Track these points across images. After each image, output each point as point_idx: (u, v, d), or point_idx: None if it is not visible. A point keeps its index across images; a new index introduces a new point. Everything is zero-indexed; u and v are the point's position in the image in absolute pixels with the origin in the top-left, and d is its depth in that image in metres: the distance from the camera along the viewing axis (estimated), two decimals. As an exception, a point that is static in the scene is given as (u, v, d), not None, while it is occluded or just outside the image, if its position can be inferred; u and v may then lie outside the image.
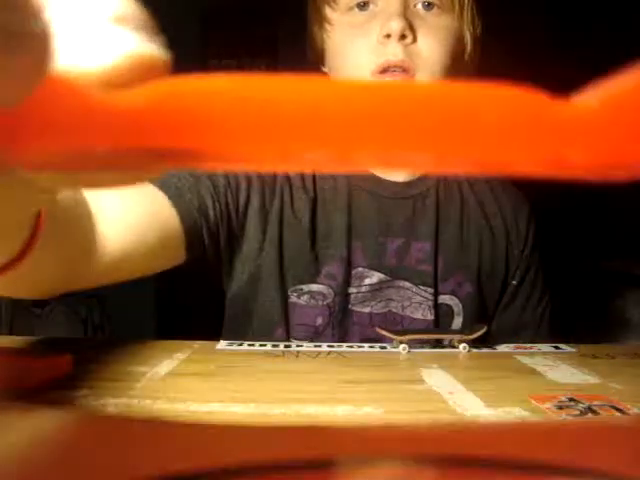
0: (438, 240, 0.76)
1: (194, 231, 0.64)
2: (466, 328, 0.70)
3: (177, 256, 0.64)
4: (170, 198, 0.61)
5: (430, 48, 0.66)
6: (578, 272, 1.94)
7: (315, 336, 0.73)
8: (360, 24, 0.67)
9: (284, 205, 0.73)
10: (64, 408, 0.40)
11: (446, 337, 0.68)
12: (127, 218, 0.55)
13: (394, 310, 0.74)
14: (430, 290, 0.74)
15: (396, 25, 0.63)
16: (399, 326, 0.73)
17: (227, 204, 0.69)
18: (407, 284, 0.74)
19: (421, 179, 0.78)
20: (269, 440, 0.27)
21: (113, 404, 0.42)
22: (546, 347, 0.67)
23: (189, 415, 0.40)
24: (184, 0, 2.78)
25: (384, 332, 0.65)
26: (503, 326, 0.80)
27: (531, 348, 0.67)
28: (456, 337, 0.65)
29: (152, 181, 0.58)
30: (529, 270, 0.81)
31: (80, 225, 0.48)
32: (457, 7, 0.68)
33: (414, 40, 0.65)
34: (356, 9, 0.68)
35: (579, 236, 2.24)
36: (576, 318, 1.45)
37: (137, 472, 0.22)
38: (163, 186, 0.61)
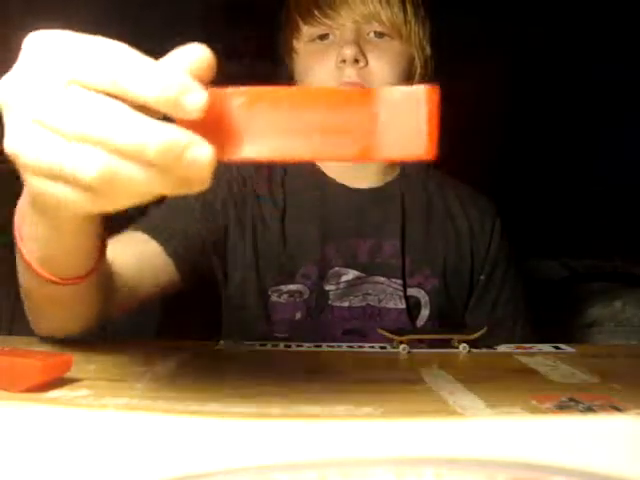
0: (405, 238, 0.82)
1: (187, 267, 0.75)
2: (466, 328, 0.70)
3: (175, 285, 0.76)
4: (163, 247, 0.73)
5: (381, 70, 0.76)
6: (578, 272, 1.94)
7: (295, 329, 0.78)
8: (320, 52, 0.77)
9: (255, 215, 0.81)
10: (64, 408, 0.40)
11: (446, 337, 0.68)
12: (131, 269, 0.68)
13: (372, 303, 0.80)
14: (399, 282, 0.81)
15: (349, 51, 0.73)
16: (376, 317, 0.79)
17: (207, 227, 0.78)
18: (381, 278, 0.81)
19: (388, 186, 0.86)
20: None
21: (113, 404, 0.42)
22: (546, 347, 0.67)
23: (189, 415, 0.40)
24: (184, 0, 2.77)
25: (384, 332, 0.65)
26: (476, 323, 0.84)
27: (531, 348, 0.67)
28: (456, 337, 0.65)
29: (148, 233, 0.73)
30: (496, 267, 0.86)
31: (109, 275, 0.63)
32: (405, 34, 0.78)
33: (366, 64, 0.75)
34: (317, 40, 0.78)
35: (579, 236, 2.24)
36: (575, 318, 1.45)
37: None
38: (158, 237, 0.74)
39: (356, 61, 0.74)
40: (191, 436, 0.35)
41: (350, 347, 0.65)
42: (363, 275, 0.80)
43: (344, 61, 0.74)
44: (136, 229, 0.74)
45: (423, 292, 0.81)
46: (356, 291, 0.80)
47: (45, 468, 0.31)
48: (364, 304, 0.79)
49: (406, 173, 0.87)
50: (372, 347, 0.65)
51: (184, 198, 0.79)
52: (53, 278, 0.50)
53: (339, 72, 0.75)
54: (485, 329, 0.66)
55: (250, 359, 0.59)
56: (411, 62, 0.81)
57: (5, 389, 0.44)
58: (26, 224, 0.48)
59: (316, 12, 0.76)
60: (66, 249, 0.49)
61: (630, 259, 1.91)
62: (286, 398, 0.45)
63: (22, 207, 0.47)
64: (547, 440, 0.36)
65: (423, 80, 0.82)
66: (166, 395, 0.45)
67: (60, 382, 0.46)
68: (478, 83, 1.82)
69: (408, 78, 0.80)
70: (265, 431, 0.36)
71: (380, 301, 0.80)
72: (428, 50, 0.82)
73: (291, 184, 0.83)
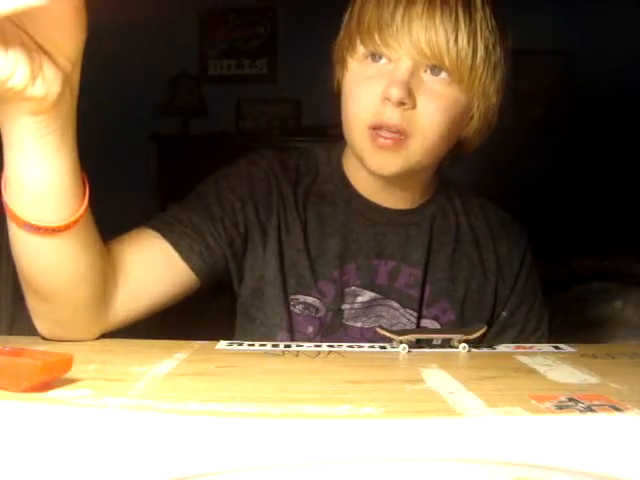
0: (427, 268, 0.79)
1: (204, 272, 0.73)
2: (466, 328, 0.70)
3: (187, 288, 0.73)
4: (180, 253, 0.71)
5: (428, 116, 0.69)
6: (578, 272, 1.94)
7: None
8: (369, 77, 0.70)
9: (280, 222, 0.77)
10: (65, 406, 0.40)
11: (446, 337, 0.68)
12: (138, 267, 0.68)
13: (383, 326, 0.77)
14: (414, 314, 0.78)
15: (395, 93, 0.66)
16: (386, 341, 0.74)
17: (226, 228, 0.74)
18: (395, 304, 0.78)
19: (419, 209, 0.82)
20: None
21: (113, 404, 0.42)
22: (546, 347, 0.67)
23: (189, 415, 0.40)
24: (183, 0, 2.77)
25: (384, 332, 0.65)
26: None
27: (531, 348, 0.67)
28: (456, 337, 0.65)
29: (166, 238, 0.71)
30: (521, 304, 0.83)
31: (103, 272, 0.64)
32: (467, 81, 0.69)
33: (413, 106, 0.68)
34: (369, 58, 0.71)
35: (579, 235, 2.24)
36: (575, 318, 1.45)
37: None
38: (173, 242, 0.71)
39: (402, 103, 0.67)
40: (192, 435, 0.35)
41: (350, 347, 0.65)
42: (379, 297, 0.78)
43: (388, 99, 0.67)
44: (148, 227, 0.71)
45: (438, 325, 0.79)
46: (370, 312, 0.78)
47: (46, 466, 0.31)
48: (376, 325, 0.76)
49: (438, 196, 0.83)
50: (372, 347, 0.66)
51: (201, 195, 0.76)
52: (32, 222, 0.55)
53: (382, 107, 0.68)
54: (485, 329, 0.66)
55: (250, 359, 0.59)
56: (467, 110, 0.73)
57: (5, 389, 0.43)
58: (7, 168, 0.54)
59: (377, 37, 0.68)
60: (41, 183, 0.54)
61: (630, 259, 1.91)
62: (286, 398, 0.45)
63: (4, 155, 0.53)
64: (547, 440, 0.36)
65: (479, 131, 0.76)
66: (166, 395, 0.45)
67: (60, 382, 0.45)
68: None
69: (459, 126, 0.74)
70: (265, 430, 0.36)
71: (392, 326, 0.77)
72: (494, 99, 0.73)
73: (318, 195, 0.80)
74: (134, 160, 2.64)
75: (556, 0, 2.51)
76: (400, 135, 0.68)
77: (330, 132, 0.77)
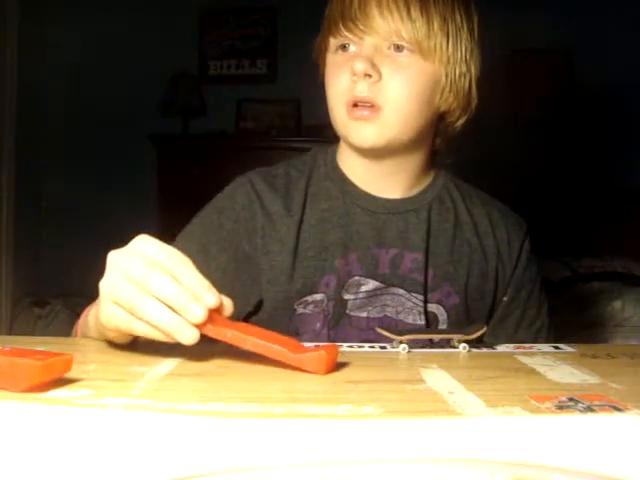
0: (429, 252, 0.80)
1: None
2: (466, 328, 0.70)
3: None
4: None
5: (395, 87, 0.74)
6: (578, 272, 1.94)
7: (315, 340, 0.76)
8: (340, 64, 0.76)
9: (265, 235, 0.79)
10: (65, 407, 0.40)
11: (446, 337, 0.68)
12: None
13: (389, 315, 0.79)
14: (420, 297, 0.79)
15: (359, 66, 0.72)
16: (386, 341, 0.75)
17: (226, 252, 0.79)
18: (400, 291, 0.79)
19: (416, 197, 0.83)
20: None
21: (113, 404, 0.42)
22: (546, 347, 0.67)
23: (189, 415, 0.40)
24: (183, 0, 2.77)
25: (384, 332, 0.65)
26: (498, 342, 0.82)
27: (531, 348, 0.67)
28: (456, 337, 0.65)
29: None
30: (521, 289, 0.85)
31: None
32: (427, 49, 0.74)
33: (379, 78, 0.73)
34: (340, 50, 0.77)
35: (579, 236, 2.24)
36: (575, 318, 1.45)
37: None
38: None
39: (368, 76, 0.72)
40: (192, 435, 0.35)
41: (350, 347, 0.65)
42: (383, 286, 0.79)
43: (355, 75, 0.73)
44: None
45: (442, 309, 0.80)
46: (375, 302, 0.79)
47: (46, 466, 0.31)
48: (382, 315, 0.78)
49: (436, 185, 0.84)
50: (372, 347, 0.66)
51: (194, 235, 0.80)
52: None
53: (352, 86, 0.73)
54: (485, 329, 0.66)
55: (250, 359, 0.59)
56: (435, 79, 0.76)
57: (5, 389, 0.44)
58: (87, 317, 0.67)
59: (340, 24, 0.75)
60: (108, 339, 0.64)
61: (630, 259, 1.91)
62: (287, 398, 0.45)
63: (91, 312, 0.65)
64: (547, 440, 0.36)
65: (457, 103, 0.78)
66: (166, 395, 0.45)
67: (60, 382, 0.46)
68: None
69: (431, 98, 0.76)
70: (266, 430, 0.36)
71: (398, 313, 0.78)
72: (463, 67, 0.77)
73: (315, 194, 0.81)
74: (134, 160, 2.64)
75: None
76: (373, 108, 0.74)
77: (325, 133, 0.80)
